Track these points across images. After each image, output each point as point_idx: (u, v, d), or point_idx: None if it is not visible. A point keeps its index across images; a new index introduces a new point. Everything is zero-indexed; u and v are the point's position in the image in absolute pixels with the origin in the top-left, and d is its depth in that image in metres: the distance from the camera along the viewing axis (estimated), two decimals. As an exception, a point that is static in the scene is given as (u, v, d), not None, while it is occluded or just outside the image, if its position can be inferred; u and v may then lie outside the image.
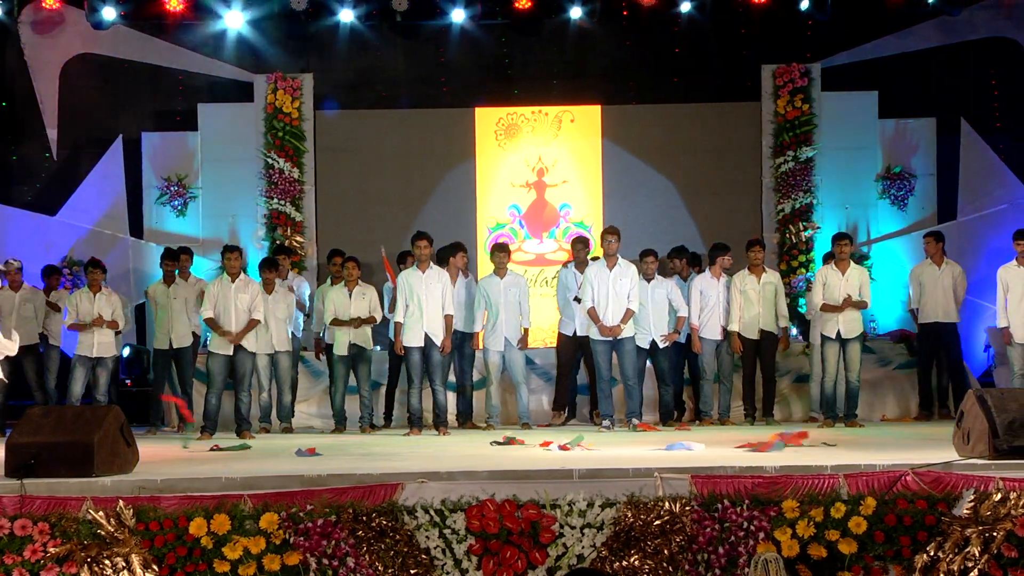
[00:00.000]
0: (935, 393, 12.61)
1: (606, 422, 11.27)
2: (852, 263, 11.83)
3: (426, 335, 11.36)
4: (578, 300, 11.89)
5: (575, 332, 12.18)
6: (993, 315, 12.18)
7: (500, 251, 12.33)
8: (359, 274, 12.12)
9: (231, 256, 11.62)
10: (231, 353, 11.46)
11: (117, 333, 12.27)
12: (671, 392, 12.19)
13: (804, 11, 14.21)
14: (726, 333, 12.19)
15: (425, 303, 11.30)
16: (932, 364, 12.58)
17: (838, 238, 11.86)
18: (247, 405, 11.56)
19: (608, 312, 11.31)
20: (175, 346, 12.18)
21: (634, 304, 11.36)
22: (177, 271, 12.46)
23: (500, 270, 12.24)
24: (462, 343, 12.16)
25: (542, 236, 14.72)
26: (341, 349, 11.96)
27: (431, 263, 11.50)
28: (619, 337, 11.32)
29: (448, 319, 11.45)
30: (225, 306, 11.46)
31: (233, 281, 11.53)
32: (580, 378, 12.64)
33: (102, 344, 12.07)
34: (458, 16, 14.42)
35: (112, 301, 12.16)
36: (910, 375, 12.77)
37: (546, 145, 14.81)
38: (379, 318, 12.08)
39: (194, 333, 12.35)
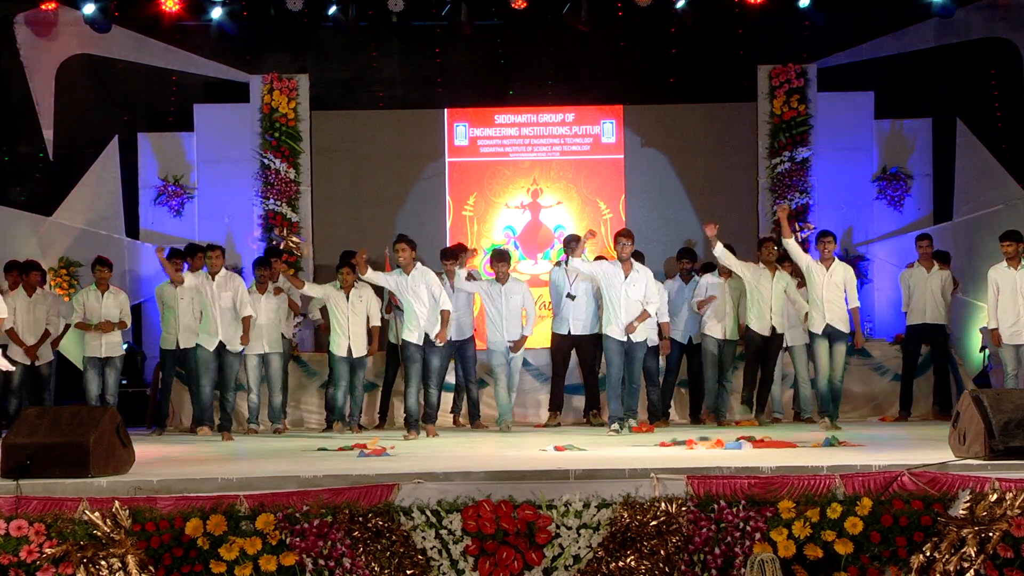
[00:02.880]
0: (936, 394, 12.70)
1: (615, 425, 11.10)
2: (836, 260, 11.80)
3: (425, 334, 11.33)
4: (571, 297, 11.89)
5: (569, 331, 12.17)
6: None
7: (499, 260, 12.16)
8: (354, 279, 12.02)
9: (212, 255, 11.63)
10: (215, 348, 11.52)
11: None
12: (658, 392, 12.23)
13: (800, 11, 14.18)
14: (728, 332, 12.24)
15: (416, 304, 11.25)
16: (915, 366, 12.65)
17: (821, 235, 11.84)
18: (232, 404, 11.59)
19: (621, 317, 11.10)
20: (182, 346, 12.11)
21: (651, 308, 11.19)
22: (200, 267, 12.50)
23: (501, 279, 12.15)
24: (463, 346, 12.16)
25: (536, 257, 14.71)
26: (340, 351, 11.92)
27: (415, 264, 11.38)
28: (633, 340, 11.10)
29: (444, 314, 11.32)
30: (206, 304, 11.48)
31: (214, 279, 11.54)
32: (571, 378, 12.64)
33: (110, 344, 12.10)
34: (450, 9, 14.25)
35: (119, 300, 12.22)
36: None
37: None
38: (376, 322, 12.05)
39: None
